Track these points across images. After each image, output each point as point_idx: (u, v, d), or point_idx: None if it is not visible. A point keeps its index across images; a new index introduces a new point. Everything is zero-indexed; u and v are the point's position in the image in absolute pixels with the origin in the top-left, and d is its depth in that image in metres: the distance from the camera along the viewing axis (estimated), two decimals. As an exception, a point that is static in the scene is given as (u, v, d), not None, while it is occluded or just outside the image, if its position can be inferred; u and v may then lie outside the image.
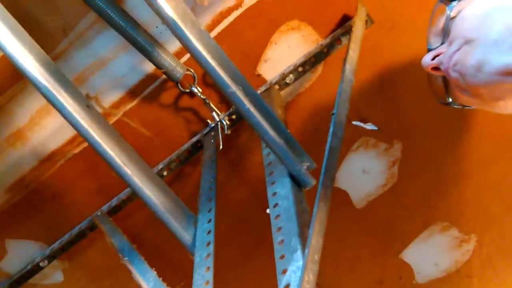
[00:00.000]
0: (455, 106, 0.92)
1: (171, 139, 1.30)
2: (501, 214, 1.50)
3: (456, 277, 1.58)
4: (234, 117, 1.24)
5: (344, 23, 1.19)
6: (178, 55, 1.16)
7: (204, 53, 0.80)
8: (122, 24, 1.05)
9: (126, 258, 1.06)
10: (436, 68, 0.86)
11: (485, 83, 0.77)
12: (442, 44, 0.86)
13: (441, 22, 0.87)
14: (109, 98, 1.22)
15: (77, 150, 1.27)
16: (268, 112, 0.87)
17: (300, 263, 0.71)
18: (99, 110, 1.22)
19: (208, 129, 1.27)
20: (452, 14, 0.83)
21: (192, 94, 1.20)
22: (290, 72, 1.22)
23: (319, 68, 1.25)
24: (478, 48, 0.76)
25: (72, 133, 1.25)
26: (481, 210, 1.49)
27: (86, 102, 0.85)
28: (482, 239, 1.54)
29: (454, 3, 0.83)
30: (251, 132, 1.30)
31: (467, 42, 0.78)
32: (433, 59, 0.87)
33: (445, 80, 0.89)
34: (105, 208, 1.32)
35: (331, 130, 0.93)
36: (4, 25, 0.76)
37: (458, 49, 0.80)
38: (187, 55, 1.17)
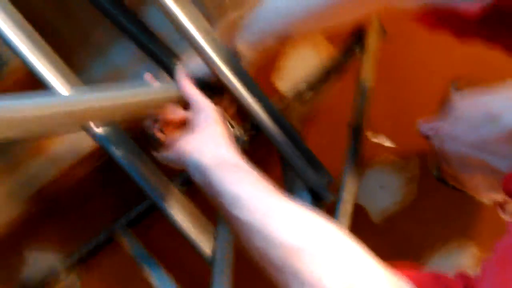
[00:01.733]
0: (441, 182, 1.00)
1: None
2: (520, 232, 1.48)
3: None
4: (252, 131, 1.25)
5: (358, 34, 1.20)
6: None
7: (219, 63, 0.81)
8: (139, 35, 1.06)
9: (146, 269, 1.07)
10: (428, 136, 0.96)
11: (455, 152, 0.86)
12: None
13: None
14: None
15: (98, 163, 1.29)
16: (286, 125, 0.88)
17: (320, 277, 0.70)
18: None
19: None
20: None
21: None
22: (306, 85, 1.22)
23: (335, 81, 1.26)
24: (462, 123, 0.85)
25: (92, 145, 1.26)
26: (500, 227, 1.47)
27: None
28: (501, 257, 1.52)
29: None
30: (269, 146, 1.30)
31: (456, 118, 0.88)
32: None
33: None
34: (124, 219, 1.33)
35: (350, 144, 0.93)
36: (23, 35, 0.77)
37: (447, 121, 0.90)
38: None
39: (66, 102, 0.55)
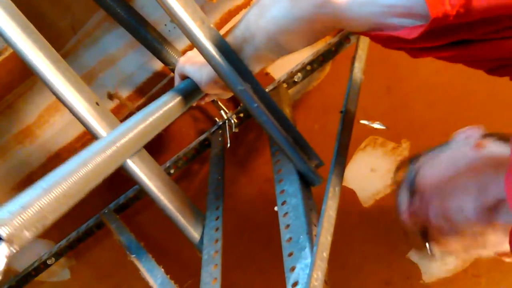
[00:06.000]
0: None
1: (178, 137, 1.30)
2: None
3: (464, 277, 1.57)
4: (242, 115, 1.24)
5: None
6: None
7: (213, 50, 0.80)
8: (132, 22, 1.05)
9: (134, 256, 1.06)
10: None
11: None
12: None
13: None
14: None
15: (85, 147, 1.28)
16: (277, 110, 0.87)
17: (309, 260, 0.70)
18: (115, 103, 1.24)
19: (215, 127, 1.27)
20: None
21: (200, 92, 1.20)
22: (298, 71, 1.22)
23: (327, 67, 1.25)
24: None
25: (80, 129, 1.25)
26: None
27: (95, 99, 0.85)
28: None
29: None
30: (259, 130, 1.30)
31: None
32: None
33: None
34: (112, 205, 1.32)
35: (340, 128, 0.93)
36: (15, 22, 0.76)
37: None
38: (196, 53, 1.18)
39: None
